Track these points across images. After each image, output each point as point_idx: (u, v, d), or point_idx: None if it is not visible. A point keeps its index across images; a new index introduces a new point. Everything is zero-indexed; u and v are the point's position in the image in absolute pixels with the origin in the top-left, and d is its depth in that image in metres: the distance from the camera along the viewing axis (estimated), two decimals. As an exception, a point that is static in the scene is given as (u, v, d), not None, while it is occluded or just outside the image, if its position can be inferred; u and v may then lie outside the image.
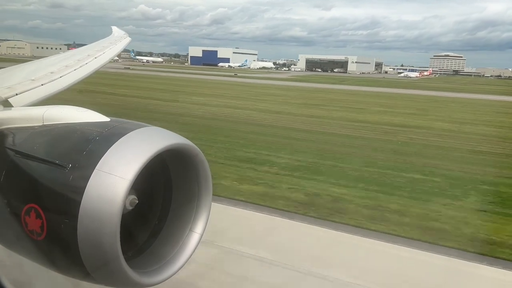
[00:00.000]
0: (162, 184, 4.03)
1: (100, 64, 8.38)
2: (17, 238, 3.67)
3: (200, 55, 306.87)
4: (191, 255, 4.01)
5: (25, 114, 4.22)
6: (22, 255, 3.94)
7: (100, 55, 8.89)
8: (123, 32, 13.32)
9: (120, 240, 3.28)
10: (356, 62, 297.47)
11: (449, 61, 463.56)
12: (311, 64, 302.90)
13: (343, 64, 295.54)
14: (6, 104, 4.66)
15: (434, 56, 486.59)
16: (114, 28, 14.08)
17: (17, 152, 3.77)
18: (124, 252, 3.34)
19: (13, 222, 3.58)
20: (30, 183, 3.60)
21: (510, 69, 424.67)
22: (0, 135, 4.04)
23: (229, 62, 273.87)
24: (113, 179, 3.23)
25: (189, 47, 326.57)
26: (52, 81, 6.04)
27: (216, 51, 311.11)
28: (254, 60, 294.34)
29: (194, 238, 4.04)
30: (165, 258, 3.90)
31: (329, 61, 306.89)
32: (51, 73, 6.32)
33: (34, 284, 6.33)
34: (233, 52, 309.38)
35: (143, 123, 3.81)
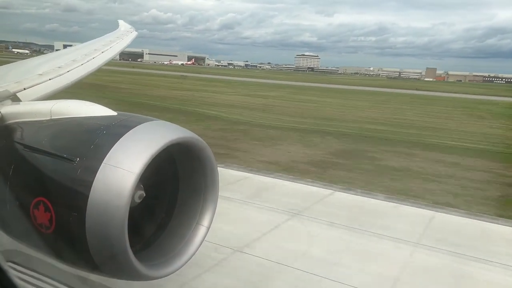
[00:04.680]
0: (169, 177, 4.05)
1: (107, 58, 8.39)
2: (26, 231, 3.67)
3: (62, 48, 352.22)
4: (198, 248, 4.02)
5: (33, 109, 4.22)
6: (31, 248, 3.99)
7: (107, 49, 8.84)
8: (130, 26, 13.00)
9: (128, 233, 3.28)
10: (149, 53, 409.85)
11: (306, 60, 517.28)
12: (124, 55, 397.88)
13: (141, 55, 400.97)
14: (15, 98, 4.68)
15: (297, 55, 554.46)
16: (121, 22, 13.71)
17: (25, 146, 3.77)
18: (131, 245, 3.34)
19: (22, 216, 3.59)
20: (38, 176, 3.60)
21: (371, 68, 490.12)
22: (8, 129, 4.07)
23: None
24: (121, 172, 3.22)
25: (55, 42, 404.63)
26: (60, 75, 6.05)
27: (72, 45, 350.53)
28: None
29: (201, 231, 4.05)
30: (172, 251, 3.92)
31: (133, 53, 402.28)
32: (59, 67, 6.33)
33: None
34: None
35: (150, 117, 3.81)
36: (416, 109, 59.40)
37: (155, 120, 3.78)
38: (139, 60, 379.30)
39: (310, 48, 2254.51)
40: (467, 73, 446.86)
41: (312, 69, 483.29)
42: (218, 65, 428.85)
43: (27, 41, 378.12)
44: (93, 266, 3.46)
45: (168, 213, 4.10)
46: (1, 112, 4.21)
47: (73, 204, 3.32)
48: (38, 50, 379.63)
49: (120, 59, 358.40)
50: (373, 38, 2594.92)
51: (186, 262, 3.94)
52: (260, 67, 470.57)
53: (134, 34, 11.96)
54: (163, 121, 3.81)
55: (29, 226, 3.54)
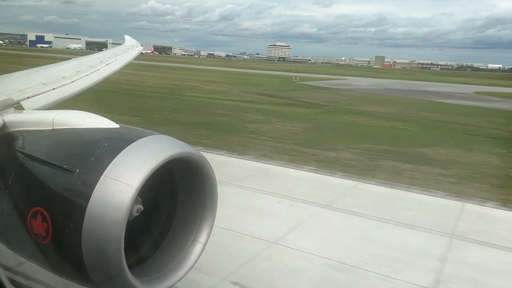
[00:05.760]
0: (167, 192, 4.08)
1: (111, 70, 8.55)
2: (22, 240, 3.67)
3: (34, 39, 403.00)
4: (193, 264, 4.03)
5: (36, 118, 4.25)
6: (26, 258, 4.00)
7: (112, 62, 9.09)
8: (135, 41, 13.75)
9: (124, 247, 3.28)
10: (112, 43, 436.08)
11: (278, 50, 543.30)
12: (90, 45, 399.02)
13: (105, 45, 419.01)
14: (18, 107, 4.70)
15: (269, 45, 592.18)
16: (127, 37, 14.43)
17: (26, 155, 3.80)
18: (127, 259, 3.34)
19: (19, 225, 3.60)
20: (37, 186, 3.63)
21: (343, 58, 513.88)
22: (10, 137, 4.10)
23: (50, 44, 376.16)
24: (120, 185, 3.24)
25: (28, 33, 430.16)
26: (64, 85, 6.11)
27: (43, 36, 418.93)
28: (80, 44, 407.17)
29: (197, 247, 4.05)
30: (167, 266, 3.92)
31: (98, 42, 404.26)
32: (63, 77, 6.41)
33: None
34: (55, 37, 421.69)
35: (151, 131, 3.85)
36: (201, 79, 76.87)
37: (156, 134, 3.80)
38: (103, 49, 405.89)
39: (310, 39, 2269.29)
40: (415, 61, 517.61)
41: (283, 58, 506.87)
42: (184, 55, 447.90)
43: (25, 33, 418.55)
44: (87, 279, 3.45)
45: (165, 228, 4.10)
46: (4, 120, 4.21)
47: (71, 215, 3.31)
48: (21, 43, 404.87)
49: (87, 49, 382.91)
50: (373, 29, 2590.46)
51: (181, 279, 3.92)
52: (232, 57, 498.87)
53: (140, 48, 12.69)
54: (165, 136, 3.82)
55: (25, 236, 3.54)
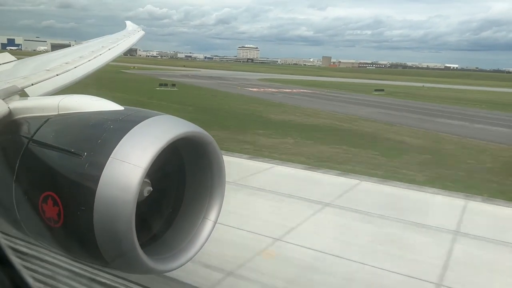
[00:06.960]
0: (175, 172, 4.09)
1: (114, 55, 8.59)
2: (35, 225, 3.72)
3: (6, 42, 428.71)
4: (205, 242, 4.07)
5: (41, 104, 4.26)
6: (40, 242, 4.08)
7: (114, 47, 9.09)
8: (137, 26, 13.65)
9: (135, 227, 3.31)
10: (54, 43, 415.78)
11: (246, 51, 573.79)
12: (55, 47, 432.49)
13: (68, 46, 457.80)
14: (23, 94, 4.72)
15: (238, 47, 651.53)
16: (128, 23, 14.32)
17: (33, 141, 3.82)
18: (139, 239, 3.37)
19: (31, 210, 3.65)
20: (46, 171, 3.65)
21: (311, 59, 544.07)
22: (16, 124, 4.13)
23: (18, 46, 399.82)
24: (128, 167, 3.25)
25: None
26: (67, 71, 6.13)
27: (14, 39, 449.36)
28: (46, 46, 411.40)
29: (207, 225, 4.09)
30: (179, 245, 3.96)
31: (62, 45, 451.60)
32: (66, 63, 6.42)
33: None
34: (24, 40, 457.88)
35: (157, 112, 3.85)
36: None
37: (162, 114, 3.79)
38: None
39: (307, 42, 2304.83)
40: (356, 61, 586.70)
41: (252, 59, 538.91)
42: (148, 56, 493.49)
43: (25, 38, 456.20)
44: (101, 259, 3.49)
45: (175, 208, 4.14)
46: (9, 107, 4.21)
47: (81, 198, 3.34)
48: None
49: (52, 50, 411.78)
50: (369, 32, 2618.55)
51: (193, 256, 3.97)
52: (209, 59, 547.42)
53: (141, 33, 12.63)
54: (170, 116, 3.82)
55: (38, 220, 3.57)
